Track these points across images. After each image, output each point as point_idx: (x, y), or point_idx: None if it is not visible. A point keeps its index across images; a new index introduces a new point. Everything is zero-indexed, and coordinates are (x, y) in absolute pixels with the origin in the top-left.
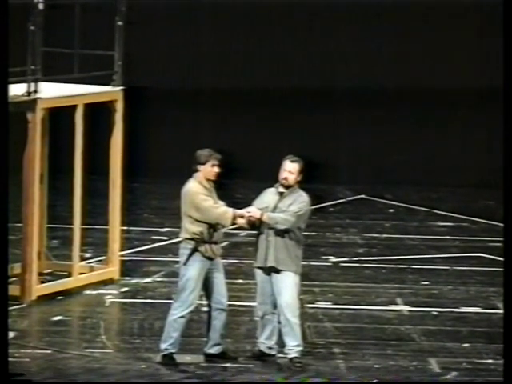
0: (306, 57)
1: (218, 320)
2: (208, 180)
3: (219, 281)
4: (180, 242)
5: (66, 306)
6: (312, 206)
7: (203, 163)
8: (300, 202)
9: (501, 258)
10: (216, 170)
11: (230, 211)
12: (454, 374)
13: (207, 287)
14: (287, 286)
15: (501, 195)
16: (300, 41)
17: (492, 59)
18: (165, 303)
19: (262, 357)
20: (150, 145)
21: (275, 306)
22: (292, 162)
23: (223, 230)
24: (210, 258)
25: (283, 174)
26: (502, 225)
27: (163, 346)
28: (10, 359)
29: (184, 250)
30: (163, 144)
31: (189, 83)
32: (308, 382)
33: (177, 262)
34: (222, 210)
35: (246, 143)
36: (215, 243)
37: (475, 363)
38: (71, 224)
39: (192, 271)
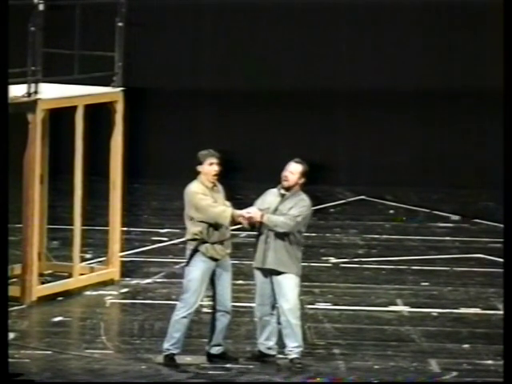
0: (306, 57)
1: (221, 322)
2: (211, 181)
3: (224, 283)
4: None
5: (67, 307)
6: (312, 207)
7: (201, 163)
8: (301, 206)
9: (500, 259)
10: (215, 168)
11: (229, 210)
12: (454, 374)
13: (213, 288)
14: (288, 287)
15: (500, 196)
16: (300, 41)
17: (492, 59)
18: (165, 304)
19: (261, 357)
20: (150, 146)
21: (274, 306)
22: (295, 163)
23: (229, 231)
24: (213, 259)
25: (284, 173)
26: (501, 225)
27: (165, 345)
28: (10, 360)
29: (188, 251)
30: (163, 145)
31: (189, 84)
32: (311, 382)
33: (177, 263)
34: (219, 209)
35: (246, 144)
36: (220, 243)
37: (475, 364)
38: (71, 225)
39: (194, 272)
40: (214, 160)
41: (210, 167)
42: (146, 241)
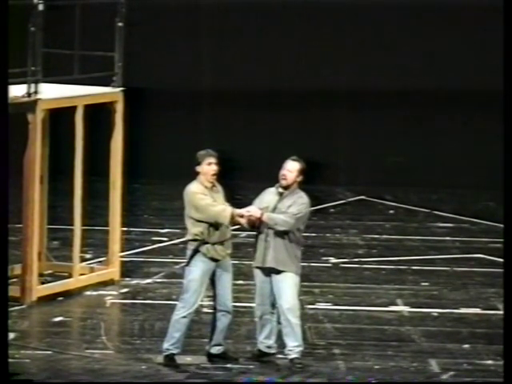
0: (306, 57)
1: (221, 322)
2: (210, 181)
3: (225, 283)
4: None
5: (67, 307)
6: (311, 206)
7: (200, 163)
8: (300, 203)
9: (501, 259)
10: (213, 167)
11: (228, 209)
12: (453, 373)
13: (214, 288)
14: (287, 286)
15: (500, 196)
16: (300, 41)
17: (492, 59)
18: (165, 304)
19: (261, 357)
20: (150, 146)
21: (274, 306)
22: (293, 161)
23: (230, 231)
24: (214, 259)
25: (282, 172)
26: (501, 226)
27: (165, 345)
28: (10, 360)
29: (188, 252)
30: (163, 145)
31: (189, 84)
32: (311, 382)
33: (177, 263)
34: (219, 208)
35: (246, 144)
36: (221, 244)
37: (475, 364)
38: (71, 225)
39: (195, 272)
40: (213, 160)
41: (208, 167)
42: (145, 241)
